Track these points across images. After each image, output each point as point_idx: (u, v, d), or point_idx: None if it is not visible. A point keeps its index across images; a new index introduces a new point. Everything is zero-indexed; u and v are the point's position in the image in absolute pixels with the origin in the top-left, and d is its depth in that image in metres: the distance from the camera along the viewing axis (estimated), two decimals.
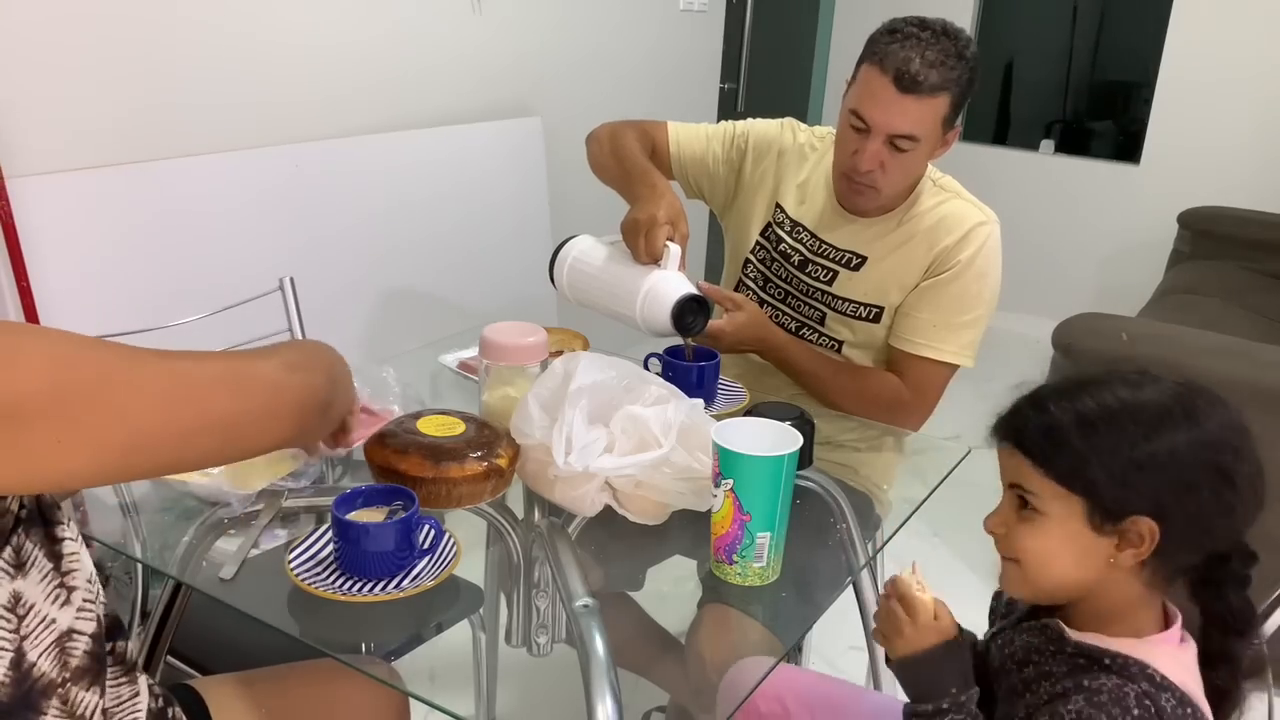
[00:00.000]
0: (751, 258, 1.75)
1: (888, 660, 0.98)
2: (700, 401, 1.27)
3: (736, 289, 1.78)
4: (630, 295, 1.42)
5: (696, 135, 1.78)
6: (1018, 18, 4.52)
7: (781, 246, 1.70)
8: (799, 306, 1.69)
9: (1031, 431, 0.87)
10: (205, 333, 1.69)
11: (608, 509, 1.16)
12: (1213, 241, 3.57)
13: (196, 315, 1.68)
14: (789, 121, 1.76)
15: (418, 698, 1.03)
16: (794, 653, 1.55)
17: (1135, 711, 0.79)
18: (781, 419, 1.32)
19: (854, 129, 1.52)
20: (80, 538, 0.79)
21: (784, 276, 1.70)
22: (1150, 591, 0.87)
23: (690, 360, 1.49)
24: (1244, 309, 3.11)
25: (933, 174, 1.64)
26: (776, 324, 1.71)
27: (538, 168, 2.91)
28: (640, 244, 1.43)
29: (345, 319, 2.33)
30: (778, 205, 1.71)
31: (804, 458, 1.24)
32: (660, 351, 1.52)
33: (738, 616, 1.22)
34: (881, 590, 0.99)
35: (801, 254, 1.68)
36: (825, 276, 1.65)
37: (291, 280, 1.78)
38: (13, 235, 1.77)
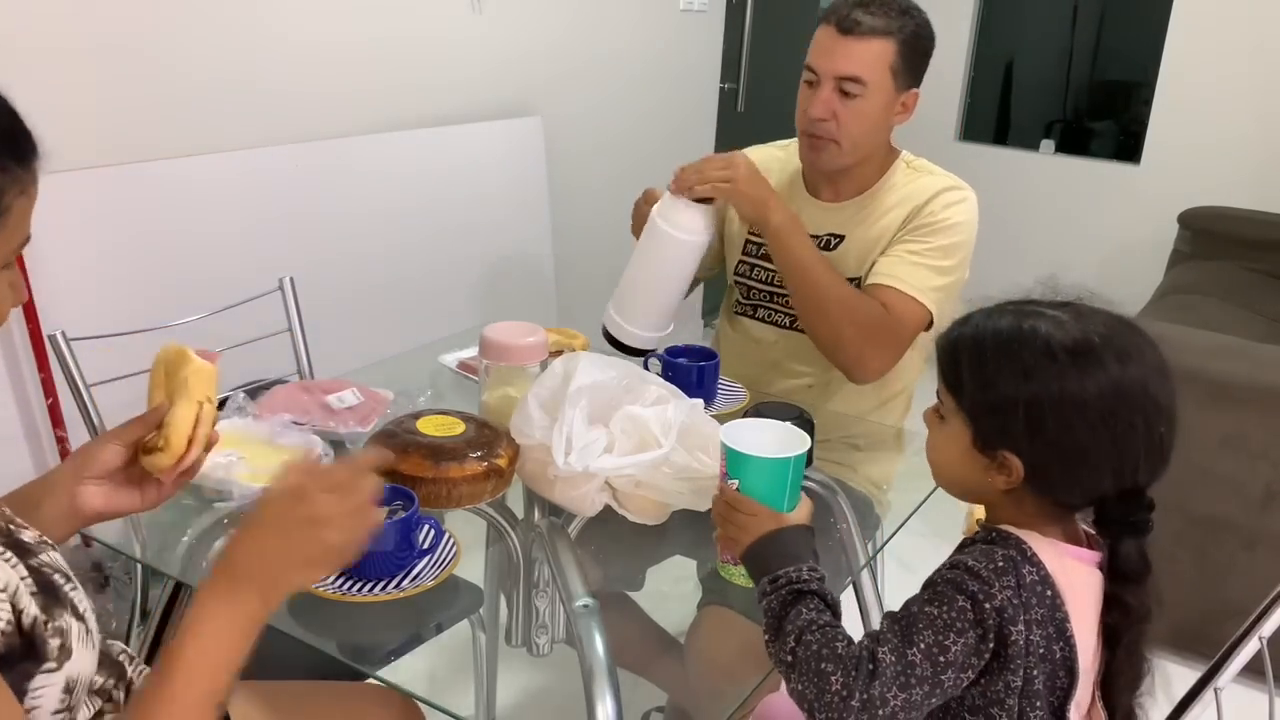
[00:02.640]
0: (739, 278, 1.77)
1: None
2: (700, 401, 1.27)
3: (734, 305, 1.79)
4: (651, 234, 1.52)
5: None
6: (1018, 18, 4.51)
7: (763, 250, 1.71)
8: (787, 302, 1.69)
9: (949, 356, 0.93)
10: (205, 333, 1.69)
11: (608, 509, 1.16)
12: (1213, 241, 3.57)
13: (196, 315, 1.69)
14: (748, 150, 1.78)
15: (417, 698, 1.03)
16: None
17: (999, 563, 0.86)
18: (781, 419, 1.32)
19: (808, 84, 1.58)
20: (60, 668, 0.74)
21: (768, 279, 1.72)
22: (1045, 517, 0.91)
23: (689, 359, 1.49)
24: (1244, 309, 3.11)
25: (906, 157, 1.68)
26: (769, 322, 1.71)
27: (538, 168, 2.91)
28: (637, 214, 1.58)
29: (345, 319, 2.33)
30: None
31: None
32: (660, 351, 1.52)
33: (738, 618, 1.22)
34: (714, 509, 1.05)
35: None
36: None
37: (291, 280, 1.79)
38: None
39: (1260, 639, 1.06)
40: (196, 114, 2.08)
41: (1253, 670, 1.07)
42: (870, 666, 0.82)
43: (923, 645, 0.82)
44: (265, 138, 2.22)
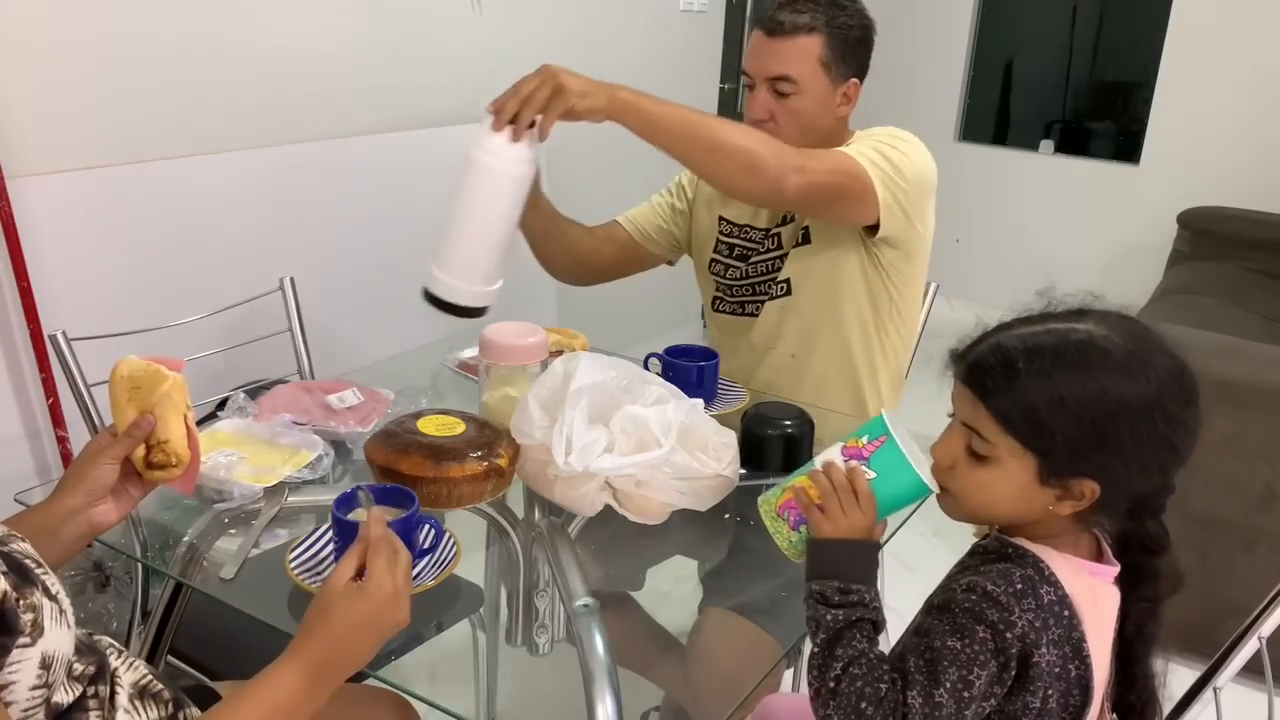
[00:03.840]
0: (716, 276, 1.77)
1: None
2: (700, 401, 1.27)
3: (713, 303, 1.80)
4: (469, 170, 1.34)
5: (644, 206, 1.84)
6: (1018, 18, 4.51)
7: (737, 251, 1.73)
8: (768, 286, 1.70)
9: (999, 392, 0.87)
10: (205, 333, 1.69)
11: (608, 509, 1.16)
12: (1213, 241, 3.57)
13: (196, 315, 1.69)
14: None
15: (418, 697, 1.03)
16: (793, 654, 1.56)
17: (1018, 585, 0.85)
18: (781, 419, 1.32)
19: (748, 89, 1.61)
20: (34, 643, 0.75)
21: (743, 274, 1.73)
22: (1074, 529, 0.91)
23: (688, 358, 1.49)
24: (1244, 309, 3.11)
25: (859, 133, 1.65)
26: (753, 315, 1.72)
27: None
28: None
29: (345, 319, 2.33)
30: (721, 218, 1.75)
31: (803, 456, 1.24)
32: (660, 351, 1.52)
33: (739, 619, 1.22)
34: (821, 465, 0.97)
35: (755, 249, 1.71)
36: (774, 245, 1.68)
37: (291, 280, 1.79)
38: (13, 235, 1.77)
39: (1259, 639, 1.06)
40: (196, 114, 2.08)
41: (1252, 670, 1.07)
42: (902, 713, 0.82)
43: (948, 685, 0.82)
44: (265, 138, 2.22)
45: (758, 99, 1.57)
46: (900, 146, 1.53)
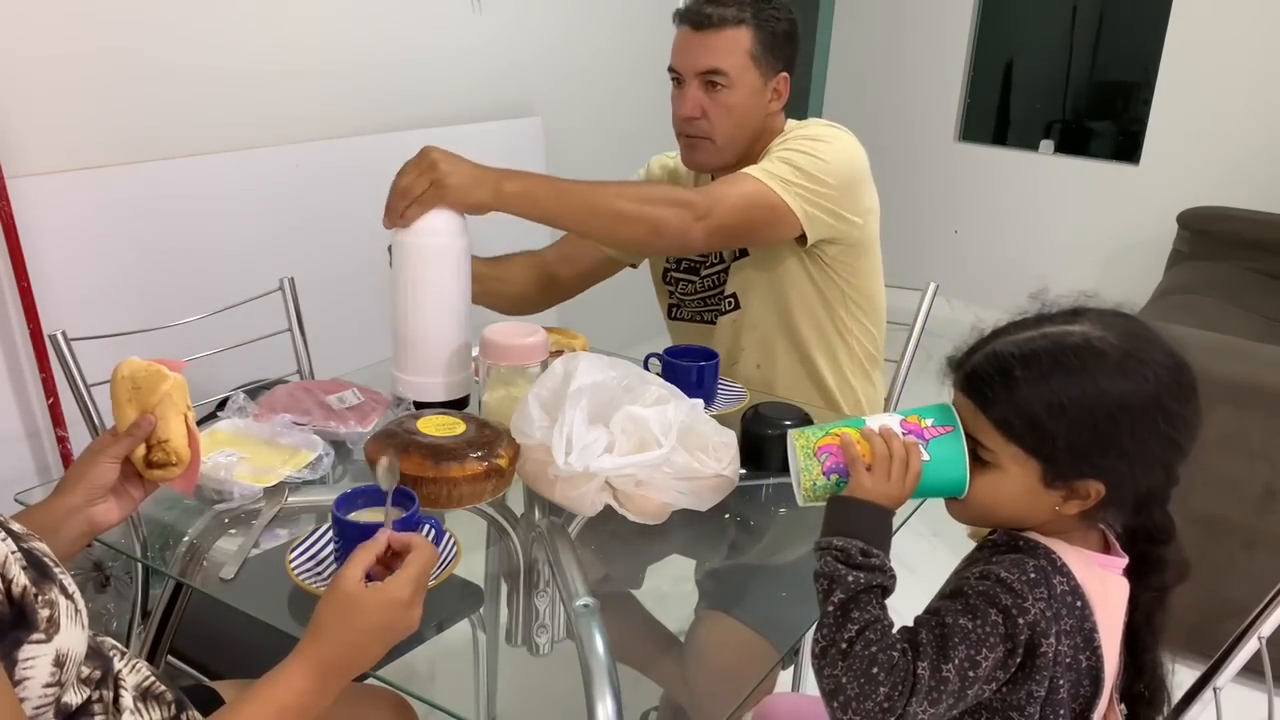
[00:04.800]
0: (669, 286, 1.78)
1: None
2: (700, 401, 1.27)
3: (668, 310, 1.81)
4: (401, 258, 1.36)
5: None
6: (1018, 18, 4.51)
7: (685, 264, 1.73)
8: (718, 299, 1.71)
9: (998, 401, 0.88)
10: (205, 333, 1.69)
11: (608, 509, 1.16)
12: (1213, 241, 3.57)
13: (196, 315, 1.69)
14: (658, 156, 1.80)
15: (418, 698, 1.03)
16: (789, 656, 1.56)
17: (1031, 574, 0.86)
18: (782, 419, 1.32)
19: (675, 85, 1.59)
20: (49, 640, 0.75)
21: (693, 289, 1.73)
22: (1082, 525, 0.92)
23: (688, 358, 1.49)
24: (1244, 309, 3.11)
25: (791, 123, 1.65)
26: (708, 321, 1.72)
27: (537, 168, 2.91)
28: None
29: (345, 319, 2.33)
30: None
31: None
32: (660, 351, 1.52)
33: (735, 622, 1.22)
34: (879, 429, 0.95)
35: (703, 262, 1.71)
36: (717, 259, 1.69)
37: (291, 280, 1.79)
38: (13, 235, 1.77)
39: (1259, 639, 1.06)
40: (196, 114, 2.09)
41: (1252, 670, 1.07)
42: (911, 682, 0.82)
43: (956, 661, 0.83)
44: (265, 138, 2.22)
45: (688, 95, 1.55)
46: (814, 150, 1.50)
